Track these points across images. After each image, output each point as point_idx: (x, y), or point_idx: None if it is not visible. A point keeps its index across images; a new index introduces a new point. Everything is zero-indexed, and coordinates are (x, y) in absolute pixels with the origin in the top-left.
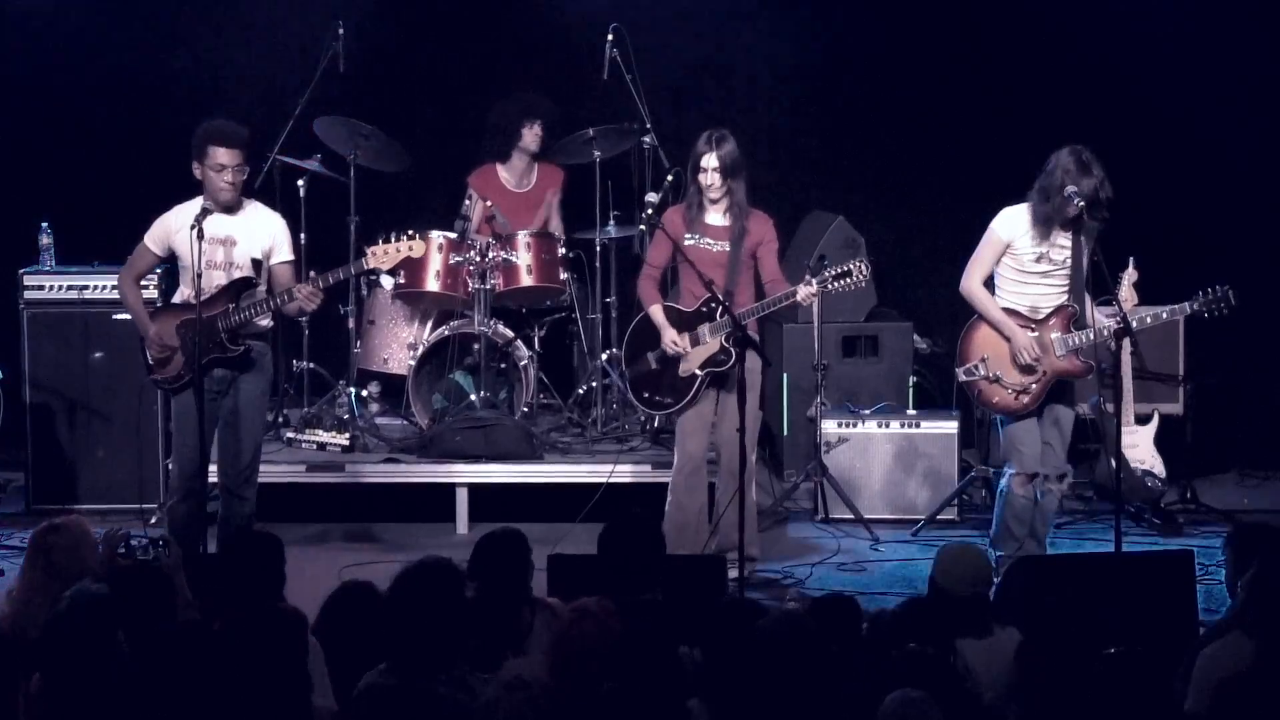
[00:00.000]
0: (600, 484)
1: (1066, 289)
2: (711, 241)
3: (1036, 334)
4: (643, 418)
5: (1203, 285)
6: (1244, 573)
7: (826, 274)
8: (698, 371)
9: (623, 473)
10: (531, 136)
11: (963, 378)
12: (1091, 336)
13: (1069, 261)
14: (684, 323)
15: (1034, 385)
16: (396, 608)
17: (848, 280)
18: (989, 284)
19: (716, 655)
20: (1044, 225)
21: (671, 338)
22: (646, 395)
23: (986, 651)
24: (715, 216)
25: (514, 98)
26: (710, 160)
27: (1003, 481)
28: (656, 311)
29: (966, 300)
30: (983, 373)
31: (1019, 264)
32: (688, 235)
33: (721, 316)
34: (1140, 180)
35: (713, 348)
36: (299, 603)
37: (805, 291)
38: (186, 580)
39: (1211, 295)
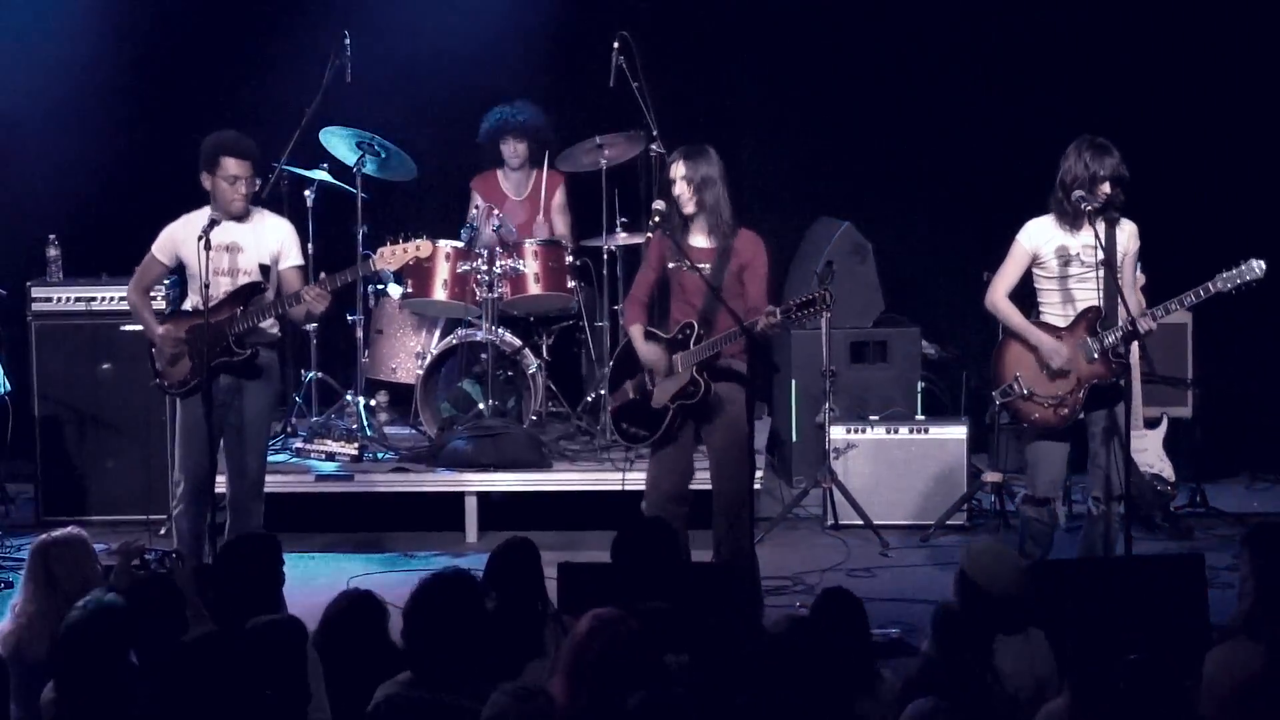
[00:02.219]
0: (610, 491)
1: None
2: (692, 264)
3: (1063, 341)
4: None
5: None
6: (1258, 575)
7: (790, 303)
8: (669, 404)
9: (633, 480)
10: (509, 152)
11: (999, 400)
12: (1120, 335)
13: (1102, 259)
14: (662, 350)
15: (1069, 396)
16: (416, 620)
17: (812, 309)
18: (1028, 300)
19: (716, 663)
20: (1073, 217)
21: (651, 351)
22: (624, 426)
23: (1019, 649)
24: (698, 238)
25: (495, 111)
26: (679, 169)
27: (1016, 502)
28: (635, 330)
29: (991, 312)
30: (1018, 391)
31: (1049, 271)
32: (671, 259)
33: (695, 344)
34: (1153, 184)
35: (683, 379)
36: (307, 613)
37: (765, 323)
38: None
39: (1235, 271)
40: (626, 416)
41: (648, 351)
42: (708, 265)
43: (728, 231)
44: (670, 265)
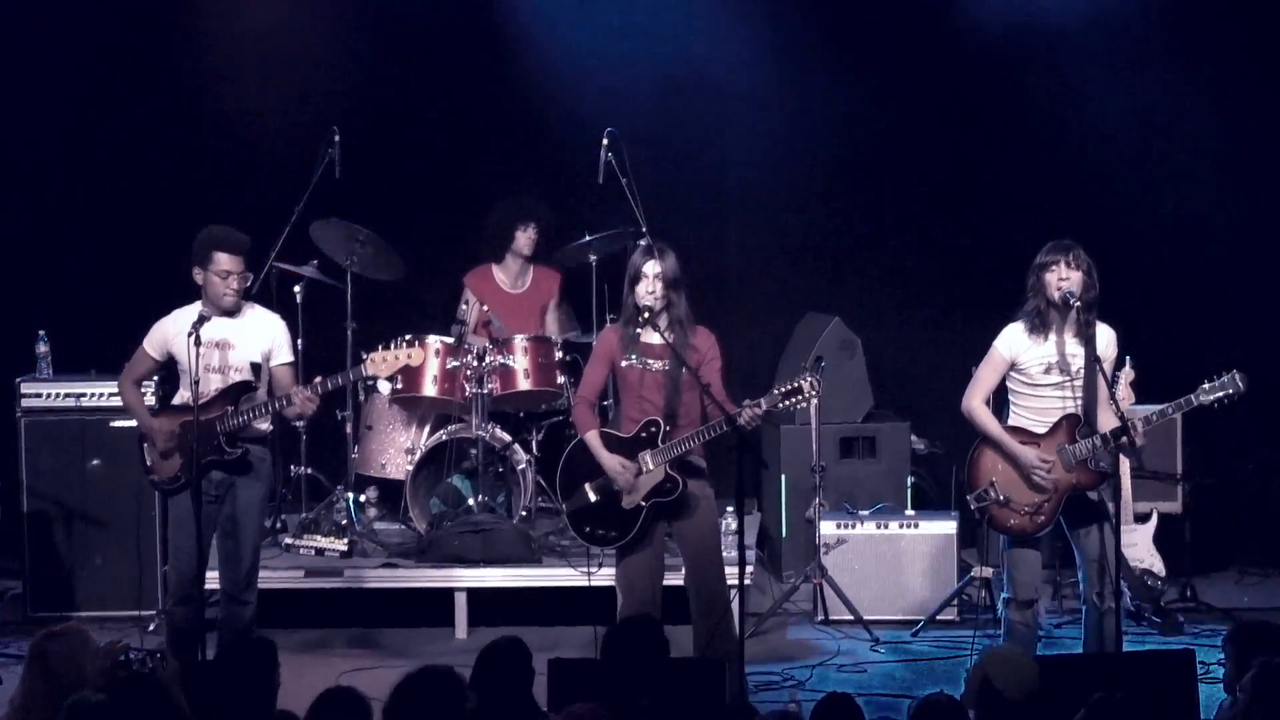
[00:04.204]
0: (600, 587)
1: (1081, 399)
2: (650, 362)
3: (1041, 449)
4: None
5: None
6: (1245, 672)
7: (775, 392)
8: (642, 503)
9: (599, 578)
10: (525, 240)
11: (974, 505)
12: (1099, 443)
13: (1082, 371)
14: (623, 450)
15: (1046, 504)
16: (395, 717)
17: (799, 398)
18: (1001, 402)
19: None
20: (1040, 321)
21: (617, 463)
22: (588, 529)
23: None
24: (654, 335)
25: (510, 200)
26: (653, 267)
27: (999, 608)
28: (593, 438)
29: (968, 419)
30: (993, 496)
31: (1028, 377)
32: (624, 357)
33: (662, 442)
34: (1138, 278)
35: (657, 476)
36: (297, 709)
37: (750, 414)
38: (184, 689)
39: (1218, 382)
40: (588, 519)
41: (612, 462)
42: (664, 361)
43: (684, 327)
44: (624, 364)
